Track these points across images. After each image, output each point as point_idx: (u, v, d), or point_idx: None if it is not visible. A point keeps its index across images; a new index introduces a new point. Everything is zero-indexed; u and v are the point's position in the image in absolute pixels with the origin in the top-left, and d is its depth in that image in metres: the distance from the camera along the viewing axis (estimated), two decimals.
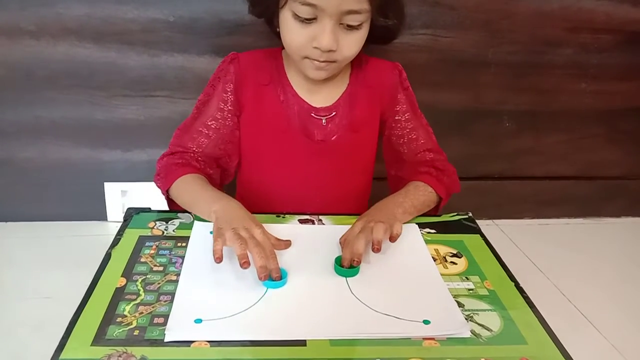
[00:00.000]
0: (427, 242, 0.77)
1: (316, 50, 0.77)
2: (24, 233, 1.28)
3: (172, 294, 0.63)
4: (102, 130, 1.24)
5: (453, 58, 1.26)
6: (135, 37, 1.15)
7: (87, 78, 1.18)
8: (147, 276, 0.66)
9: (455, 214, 0.85)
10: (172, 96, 1.22)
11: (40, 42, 1.14)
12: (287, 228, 0.78)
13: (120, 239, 0.74)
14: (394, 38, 0.88)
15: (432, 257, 0.73)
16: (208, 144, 0.88)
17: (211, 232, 0.69)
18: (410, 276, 0.69)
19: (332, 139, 0.89)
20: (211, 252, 0.65)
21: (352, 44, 0.79)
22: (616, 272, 1.31)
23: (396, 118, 0.93)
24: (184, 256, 0.70)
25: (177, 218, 0.79)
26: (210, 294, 0.63)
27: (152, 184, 0.87)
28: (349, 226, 0.74)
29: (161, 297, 0.62)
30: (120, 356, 0.53)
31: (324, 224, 0.80)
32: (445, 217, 0.85)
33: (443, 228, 0.81)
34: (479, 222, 0.84)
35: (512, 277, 0.71)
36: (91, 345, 0.55)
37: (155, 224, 0.78)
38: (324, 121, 0.88)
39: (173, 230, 0.76)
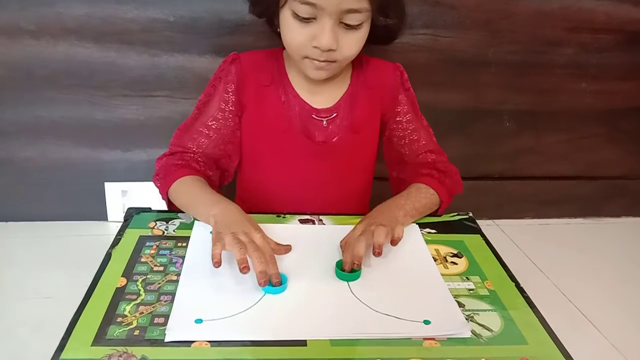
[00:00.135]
0: (427, 242, 0.77)
1: (316, 49, 0.77)
2: (25, 233, 1.29)
3: (173, 294, 0.63)
4: (102, 130, 1.24)
5: (453, 58, 1.26)
6: (135, 37, 1.15)
7: (87, 78, 1.18)
8: (148, 276, 0.66)
9: (455, 214, 0.85)
10: (172, 96, 1.22)
11: (40, 42, 1.14)
12: (287, 228, 0.78)
13: (120, 239, 0.74)
14: (395, 38, 0.87)
15: (433, 257, 0.73)
16: (208, 144, 0.88)
17: (211, 232, 0.69)
18: (411, 276, 0.69)
19: (333, 140, 0.89)
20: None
21: (352, 43, 0.78)
22: (616, 272, 1.31)
23: (397, 119, 0.93)
24: (185, 256, 0.70)
25: (178, 218, 0.79)
26: (211, 294, 0.63)
27: (153, 184, 0.86)
28: (350, 226, 0.74)
29: (161, 297, 0.62)
30: (120, 356, 0.53)
31: (324, 224, 0.80)
32: (445, 217, 0.85)
33: (443, 228, 0.81)
34: (479, 222, 0.84)
35: (512, 277, 0.71)
36: (91, 345, 0.55)
37: (156, 224, 0.78)
38: (324, 122, 0.88)
39: (173, 230, 0.76)
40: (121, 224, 0.77)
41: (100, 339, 0.55)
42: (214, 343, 0.56)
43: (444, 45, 1.24)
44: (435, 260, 0.73)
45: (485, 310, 0.64)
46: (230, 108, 0.88)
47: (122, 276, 0.66)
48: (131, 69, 1.18)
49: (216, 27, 1.15)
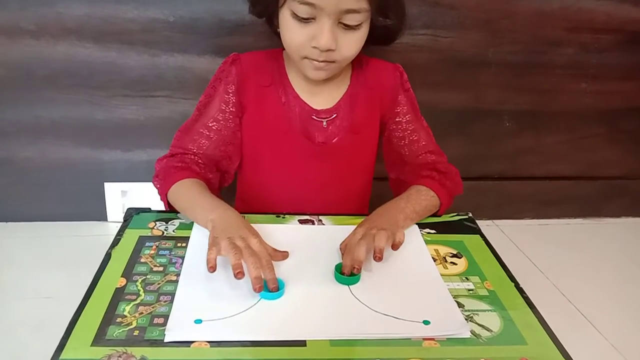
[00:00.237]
0: (427, 242, 0.77)
1: (315, 49, 0.77)
2: (24, 233, 1.29)
3: (172, 294, 0.63)
4: (102, 130, 1.24)
5: (453, 58, 1.26)
6: (135, 37, 1.15)
7: (87, 78, 1.18)
8: (147, 276, 0.66)
9: (455, 214, 0.85)
10: (172, 96, 1.22)
11: (40, 42, 1.14)
12: (287, 228, 0.78)
13: (120, 239, 0.74)
14: (394, 39, 0.87)
15: (432, 258, 0.73)
16: (209, 145, 0.87)
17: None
18: (410, 276, 0.69)
19: (333, 141, 0.88)
20: None
21: (352, 44, 0.78)
22: (616, 272, 1.31)
23: (397, 119, 0.93)
24: (184, 256, 0.70)
25: (177, 218, 0.79)
26: (211, 294, 0.63)
27: (152, 185, 0.86)
28: (349, 226, 0.74)
29: (161, 298, 0.62)
30: (120, 356, 0.53)
31: (324, 224, 0.80)
32: (445, 218, 0.85)
33: (443, 228, 0.81)
34: (479, 222, 0.84)
35: (512, 278, 0.71)
36: (91, 345, 0.55)
37: (155, 224, 0.78)
38: (324, 123, 0.88)
39: (173, 231, 0.76)
40: (121, 224, 0.77)
41: (99, 339, 0.56)
42: (214, 343, 0.56)
43: (444, 46, 1.24)
44: (434, 261, 0.73)
45: (484, 311, 0.64)
46: (231, 109, 0.88)
47: (121, 276, 0.66)
48: (131, 69, 1.18)
49: (216, 28, 1.15)
